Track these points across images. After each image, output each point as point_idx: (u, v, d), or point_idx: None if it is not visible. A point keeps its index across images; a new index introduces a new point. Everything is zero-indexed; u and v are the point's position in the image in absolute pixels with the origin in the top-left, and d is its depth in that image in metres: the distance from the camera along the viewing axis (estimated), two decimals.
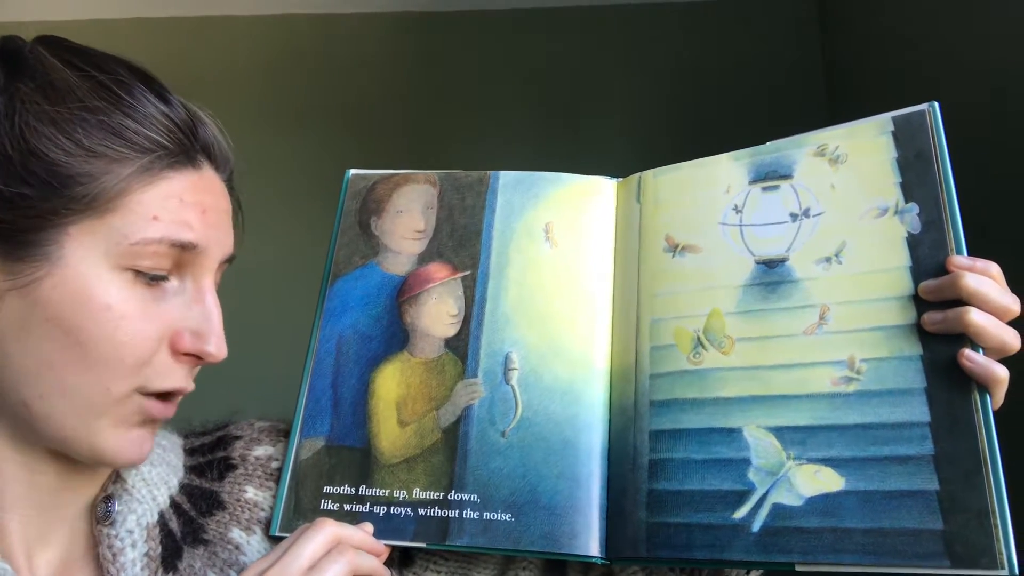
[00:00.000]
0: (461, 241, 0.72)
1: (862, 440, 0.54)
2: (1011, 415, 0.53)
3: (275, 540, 0.65)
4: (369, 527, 0.62)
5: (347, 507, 0.65)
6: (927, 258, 0.56)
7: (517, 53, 2.29)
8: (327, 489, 0.66)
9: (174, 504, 0.62)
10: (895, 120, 0.61)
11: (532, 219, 0.71)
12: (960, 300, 0.53)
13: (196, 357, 0.56)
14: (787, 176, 0.64)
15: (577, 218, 0.71)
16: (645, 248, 0.68)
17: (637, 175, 0.71)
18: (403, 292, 0.71)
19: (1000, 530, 0.49)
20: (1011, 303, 0.53)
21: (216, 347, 0.55)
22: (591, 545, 0.61)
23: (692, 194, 0.67)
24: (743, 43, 2.22)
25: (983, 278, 0.53)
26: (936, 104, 0.60)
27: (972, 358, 0.52)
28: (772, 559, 0.55)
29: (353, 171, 0.77)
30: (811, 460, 0.56)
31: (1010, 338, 0.53)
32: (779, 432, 0.57)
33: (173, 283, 0.55)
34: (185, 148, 0.55)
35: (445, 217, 0.73)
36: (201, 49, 2.33)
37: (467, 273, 0.70)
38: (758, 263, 0.62)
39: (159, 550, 0.58)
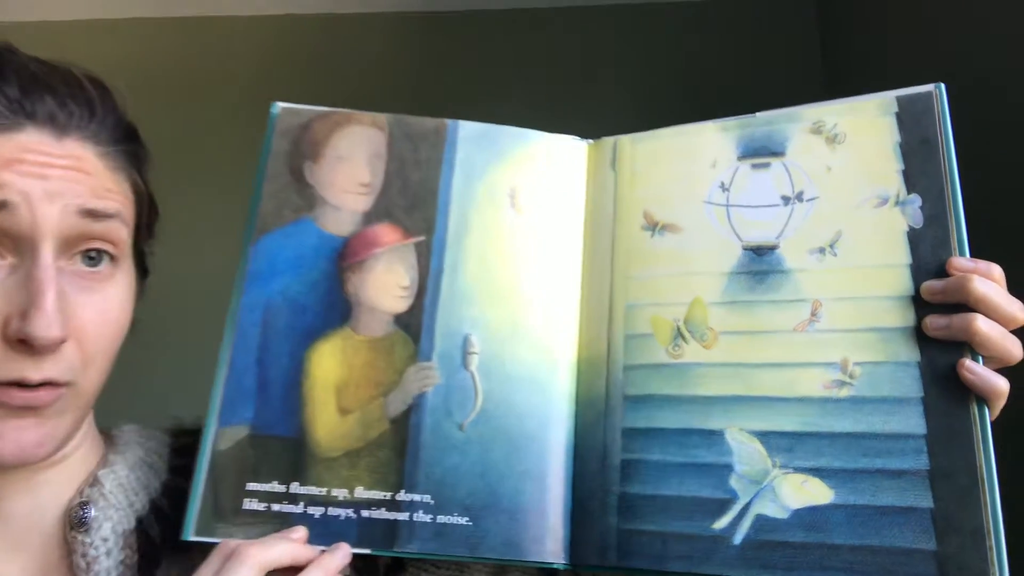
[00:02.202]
0: (414, 201, 0.62)
1: (853, 450, 0.52)
2: (1002, 428, 0.51)
3: (188, 549, 0.56)
4: (302, 532, 0.55)
5: (275, 507, 0.56)
6: (928, 256, 0.53)
7: (517, 53, 2.25)
8: (251, 486, 0.57)
9: (155, 508, 0.59)
10: (900, 100, 0.56)
11: (496, 180, 0.63)
12: (963, 305, 0.51)
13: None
14: (779, 153, 0.59)
15: (545, 182, 0.63)
16: (621, 224, 0.62)
17: (612, 139, 0.64)
18: (345, 256, 0.61)
19: (995, 552, 0.47)
20: (1018, 311, 0.51)
21: (35, 328, 0.48)
22: (555, 551, 0.56)
23: (674, 166, 0.61)
24: (741, 35, 2.21)
25: (991, 283, 0.50)
26: (943, 86, 0.56)
27: (973, 369, 0.50)
28: (753, 574, 0.52)
29: (282, 104, 0.64)
30: (798, 469, 0.52)
31: (1014, 348, 0.51)
32: (764, 437, 0.54)
33: (5, 264, 0.50)
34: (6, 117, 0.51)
35: (395, 170, 0.63)
36: (201, 49, 2.30)
37: (421, 239, 0.62)
38: (746, 249, 0.58)
39: (136, 558, 0.56)
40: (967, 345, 0.50)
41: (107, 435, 0.63)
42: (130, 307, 0.56)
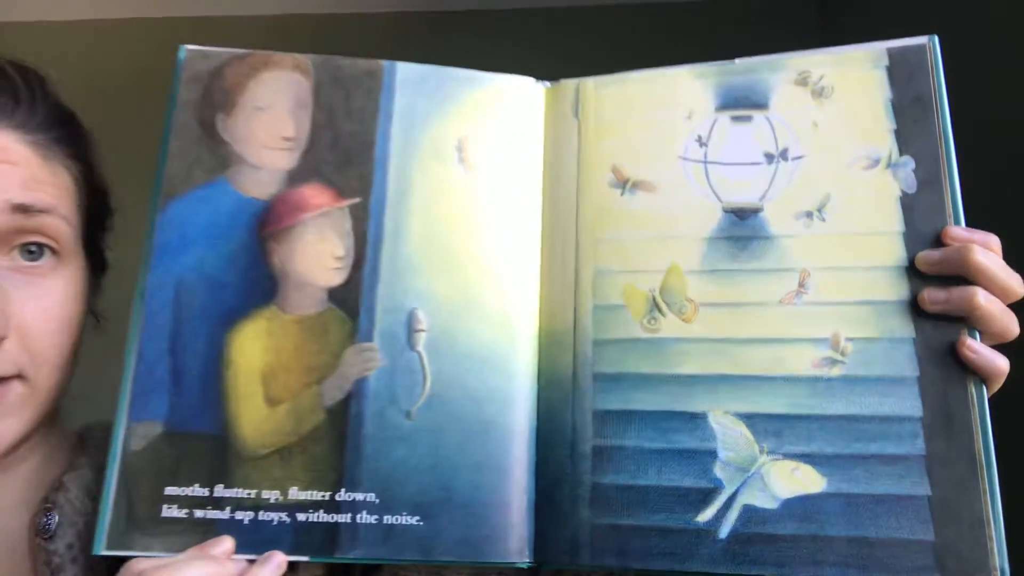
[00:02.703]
0: (347, 156, 0.54)
1: (846, 434, 0.48)
2: (998, 410, 0.48)
3: (100, 563, 0.49)
4: (227, 544, 0.48)
5: (199, 513, 0.49)
6: (922, 224, 0.50)
7: (517, 53, 2.17)
8: (170, 491, 0.50)
9: None
10: (891, 53, 0.53)
11: (441, 131, 0.55)
12: (958, 277, 0.48)
13: None
14: (761, 106, 0.54)
15: (498, 132, 0.56)
16: (586, 179, 0.55)
17: (574, 82, 0.57)
18: (267, 223, 0.53)
19: (995, 542, 0.45)
20: (1016, 284, 0.48)
21: None
22: (518, 550, 0.50)
23: (645, 115, 0.55)
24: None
25: (991, 254, 0.48)
26: (936, 39, 0.52)
27: (974, 348, 0.47)
28: (742, 571, 0.48)
29: (189, 47, 0.55)
30: (788, 455, 0.49)
31: (1012, 324, 0.48)
32: (751, 420, 0.49)
33: None
34: None
35: (324, 121, 0.55)
36: None
37: (356, 201, 0.54)
38: (726, 211, 0.53)
39: (104, 565, 0.53)
40: (964, 321, 0.48)
41: (76, 436, 0.61)
42: (78, 302, 0.54)
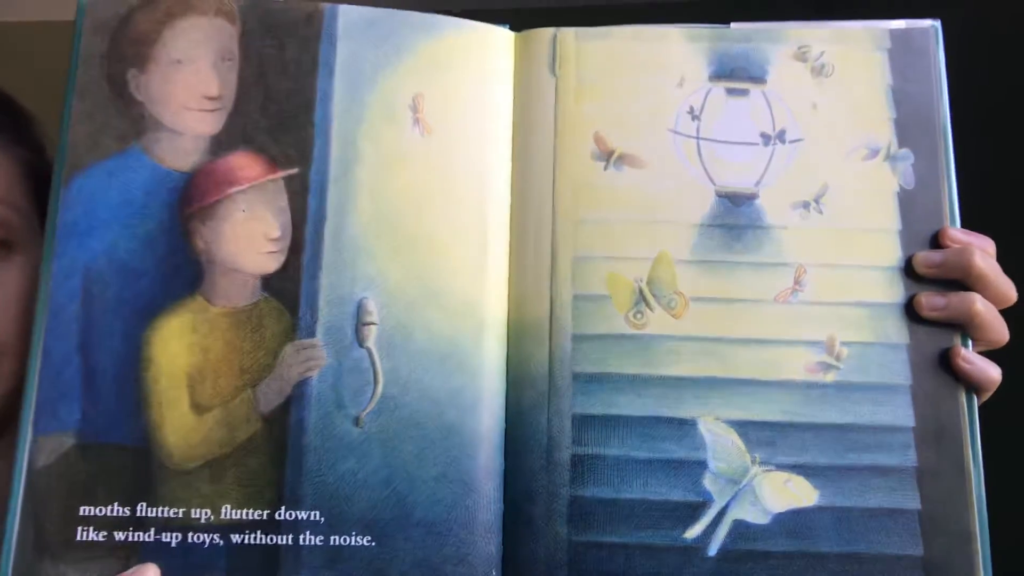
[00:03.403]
0: (282, 119, 0.47)
1: (840, 444, 0.47)
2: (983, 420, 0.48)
3: None
4: (152, 570, 0.43)
5: (119, 536, 0.44)
6: (919, 223, 0.49)
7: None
8: (85, 511, 0.44)
9: None
10: (893, 35, 0.51)
11: (393, 88, 0.48)
12: (951, 281, 0.48)
13: None
14: (758, 79, 0.51)
15: (460, 90, 0.49)
16: (564, 149, 0.49)
17: (550, 31, 0.51)
18: (190, 199, 0.46)
19: (980, 556, 0.45)
20: (1010, 290, 0.48)
21: None
22: (486, 572, 0.45)
23: (633, 78, 0.51)
24: None
25: (990, 259, 0.48)
26: (938, 24, 0.51)
27: (969, 359, 0.47)
28: None
29: None
30: (781, 466, 0.47)
31: (1003, 332, 0.48)
32: (743, 428, 0.47)
33: None
34: None
35: (254, 76, 0.47)
36: None
37: (293, 172, 0.47)
38: (720, 196, 0.49)
39: None
40: (958, 327, 0.48)
41: None
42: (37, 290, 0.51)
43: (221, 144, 0.47)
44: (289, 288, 0.46)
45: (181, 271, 0.46)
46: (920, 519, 0.46)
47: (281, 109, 0.47)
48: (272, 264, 0.46)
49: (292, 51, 0.47)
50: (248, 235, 0.46)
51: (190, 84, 0.47)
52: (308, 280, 0.46)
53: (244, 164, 0.46)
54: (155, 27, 0.47)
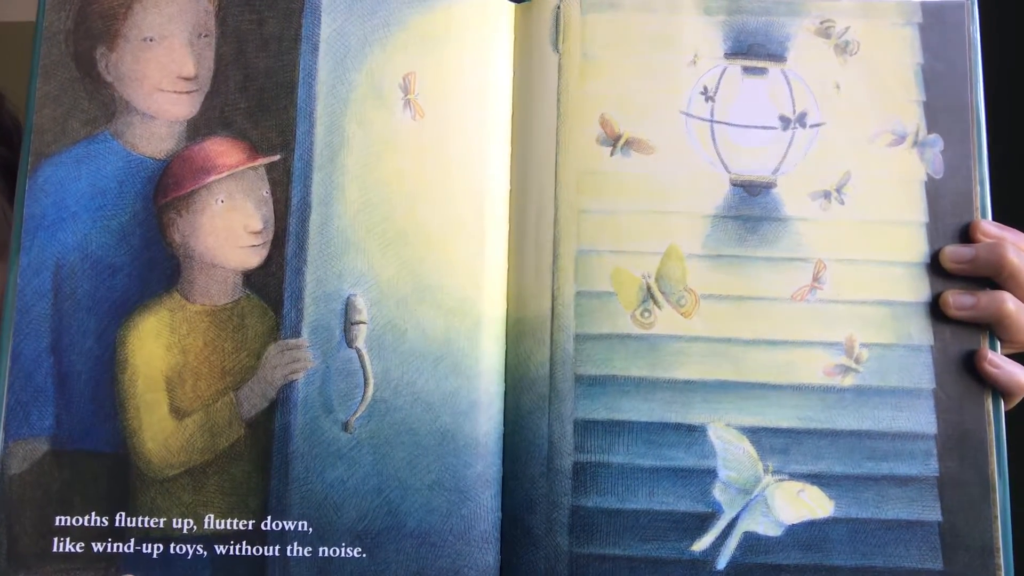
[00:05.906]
0: (261, 101, 0.44)
1: (857, 452, 0.45)
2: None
3: None
4: None
5: (97, 547, 0.42)
6: (947, 216, 0.47)
7: None
8: (61, 520, 0.42)
9: None
10: (925, 8, 0.48)
11: (381, 67, 0.45)
12: (984, 279, 0.45)
13: None
14: (778, 57, 0.48)
15: (454, 66, 0.46)
16: (568, 132, 0.47)
17: (554, 2, 0.49)
18: (165, 189, 0.44)
19: (1003, 572, 0.44)
20: None
21: None
22: None
23: (642, 55, 0.48)
24: None
25: (1022, 253, 0.45)
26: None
27: (996, 362, 0.45)
28: None
29: None
30: (794, 476, 0.45)
31: None
32: (755, 435, 0.45)
33: None
34: None
35: (232, 55, 0.44)
36: None
37: (275, 158, 0.44)
38: (735, 184, 0.47)
39: None
40: (985, 328, 0.46)
41: None
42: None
43: (197, 129, 0.44)
44: (272, 284, 0.44)
45: (157, 266, 0.43)
46: (940, 532, 0.44)
47: (261, 89, 0.44)
48: (254, 259, 0.44)
49: (273, 26, 0.44)
50: (227, 227, 0.43)
51: (163, 63, 0.44)
52: (292, 276, 0.44)
53: (222, 150, 0.43)
54: (124, 3, 0.44)
